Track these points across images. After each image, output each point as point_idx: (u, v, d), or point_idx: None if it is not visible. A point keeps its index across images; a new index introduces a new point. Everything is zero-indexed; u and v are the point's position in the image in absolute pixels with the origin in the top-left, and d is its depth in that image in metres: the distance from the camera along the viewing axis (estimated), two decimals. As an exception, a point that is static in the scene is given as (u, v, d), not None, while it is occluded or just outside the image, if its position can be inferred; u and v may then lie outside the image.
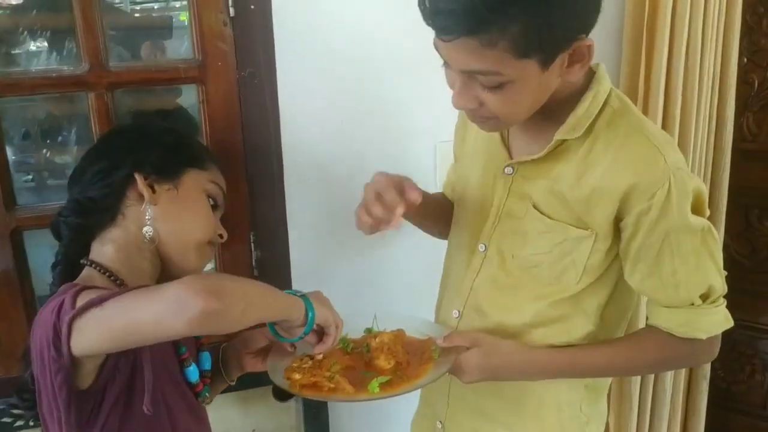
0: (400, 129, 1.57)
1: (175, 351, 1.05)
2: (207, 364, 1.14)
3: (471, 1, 0.82)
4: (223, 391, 1.24)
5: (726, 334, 1.08)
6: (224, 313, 0.80)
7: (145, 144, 1.05)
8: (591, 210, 1.02)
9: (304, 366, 1.08)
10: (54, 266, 1.05)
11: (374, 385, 1.05)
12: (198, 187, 1.07)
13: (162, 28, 1.61)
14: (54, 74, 1.34)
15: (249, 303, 0.85)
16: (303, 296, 0.99)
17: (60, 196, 1.46)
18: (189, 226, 1.04)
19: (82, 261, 1.01)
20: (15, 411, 1.42)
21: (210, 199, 1.08)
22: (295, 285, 1.59)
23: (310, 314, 0.97)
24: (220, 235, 1.10)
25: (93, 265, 1.00)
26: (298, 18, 1.43)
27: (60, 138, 1.52)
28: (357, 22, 1.48)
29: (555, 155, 1.04)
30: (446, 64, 0.95)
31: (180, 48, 1.59)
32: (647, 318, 1.11)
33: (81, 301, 0.85)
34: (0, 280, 1.38)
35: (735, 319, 1.07)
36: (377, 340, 1.13)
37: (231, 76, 1.42)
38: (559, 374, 1.14)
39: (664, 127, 1.79)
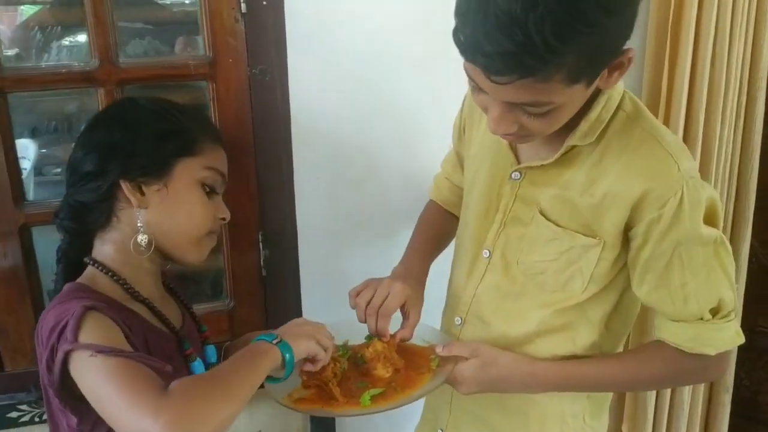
0: (413, 128, 1.54)
1: (178, 347, 1.04)
2: (213, 357, 1.13)
3: (527, 40, 0.75)
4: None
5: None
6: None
7: (130, 140, 0.98)
8: (601, 217, 0.99)
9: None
10: (57, 262, 1.05)
11: (365, 398, 1.03)
12: (189, 178, 1.00)
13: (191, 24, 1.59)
14: (64, 69, 1.33)
15: (227, 409, 0.82)
16: (279, 342, 0.94)
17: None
18: (183, 225, 1.01)
19: (85, 259, 1.01)
20: (21, 406, 1.43)
21: (206, 187, 1.03)
22: (304, 285, 1.58)
23: (287, 361, 0.94)
24: (223, 218, 1.06)
25: (95, 265, 0.99)
26: (310, 14, 1.41)
27: (71, 133, 1.51)
28: (370, 18, 1.45)
29: (565, 161, 1.01)
30: (478, 88, 0.89)
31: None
32: (655, 331, 1.08)
33: (84, 334, 0.84)
34: (8, 277, 1.38)
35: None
36: (370, 349, 1.11)
37: (242, 73, 1.40)
38: (562, 388, 1.11)
39: (686, 127, 1.73)
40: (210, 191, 1.03)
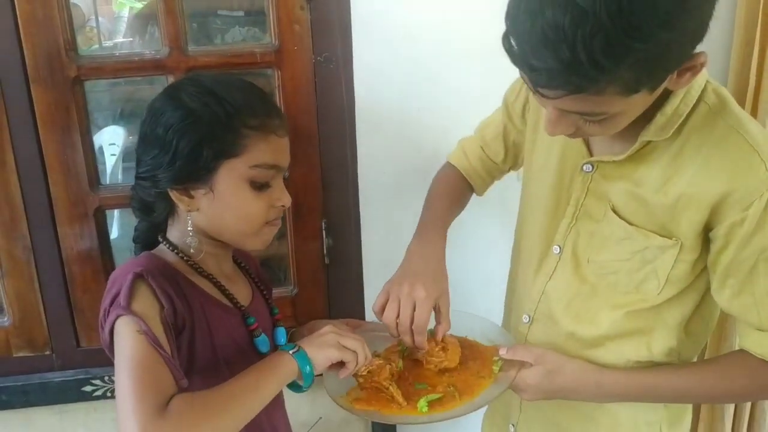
0: (479, 119, 1.48)
1: (243, 322, 1.06)
2: (282, 339, 1.15)
3: (574, 58, 0.70)
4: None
5: None
6: None
7: (171, 148, 0.95)
8: (676, 218, 0.93)
9: (370, 366, 1.04)
10: (134, 240, 1.11)
11: (422, 404, 1.00)
12: (234, 179, 0.98)
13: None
14: (136, 58, 1.37)
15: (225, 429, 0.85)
16: (297, 351, 0.94)
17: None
18: (233, 223, 1.01)
19: (159, 237, 1.06)
20: (94, 381, 1.50)
21: (255, 183, 0.99)
22: (367, 275, 1.58)
23: (307, 373, 0.94)
24: (282, 205, 1.04)
25: (166, 243, 1.04)
26: (376, 1, 1.39)
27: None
28: (437, 6, 1.41)
29: (639, 156, 0.95)
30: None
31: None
32: (738, 339, 1.00)
33: (135, 303, 0.89)
34: (84, 257, 1.45)
35: None
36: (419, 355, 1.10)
37: (306, 60, 1.40)
38: (632, 399, 1.06)
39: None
40: (262, 185, 1.00)
